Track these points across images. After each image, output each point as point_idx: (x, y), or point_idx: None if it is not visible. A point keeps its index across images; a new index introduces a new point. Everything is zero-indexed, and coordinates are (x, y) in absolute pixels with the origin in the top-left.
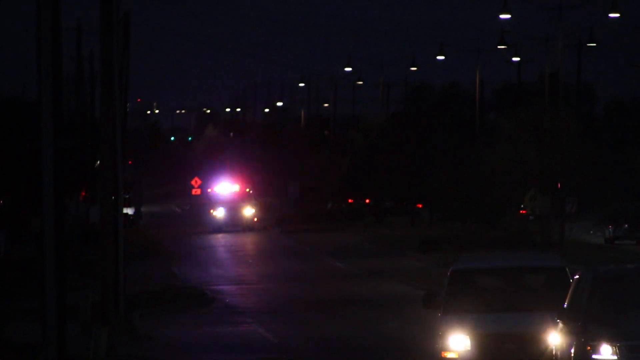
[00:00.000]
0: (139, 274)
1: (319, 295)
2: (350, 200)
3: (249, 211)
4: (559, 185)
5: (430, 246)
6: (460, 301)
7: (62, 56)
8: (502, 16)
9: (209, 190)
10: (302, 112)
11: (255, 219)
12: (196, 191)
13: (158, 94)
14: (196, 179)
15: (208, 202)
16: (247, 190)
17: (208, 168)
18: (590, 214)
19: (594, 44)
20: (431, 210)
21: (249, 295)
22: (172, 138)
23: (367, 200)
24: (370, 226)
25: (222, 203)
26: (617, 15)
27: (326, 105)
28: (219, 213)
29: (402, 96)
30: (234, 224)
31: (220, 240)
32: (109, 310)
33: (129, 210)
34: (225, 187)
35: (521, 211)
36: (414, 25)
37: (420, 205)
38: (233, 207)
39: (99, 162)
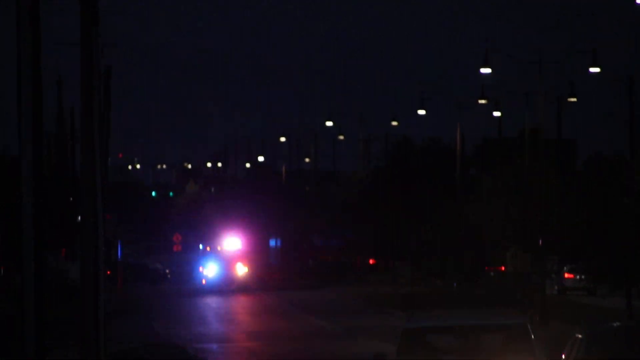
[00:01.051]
0: (121, 332)
1: (301, 355)
2: (326, 258)
3: (241, 269)
4: (540, 242)
5: (411, 304)
6: None
7: (42, 111)
8: (483, 70)
9: (200, 246)
10: (283, 168)
11: (248, 277)
12: (177, 247)
13: (139, 149)
14: (177, 235)
15: (197, 258)
16: (239, 247)
17: (193, 224)
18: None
19: (575, 99)
20: (412, 267)
21: (230, 355)
22: (153, 193)
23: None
24: (351, 283)
25: (212, 260)
26: (598, 70)
27: (307, 160)
28: (210, 271)
29: (383, 151)
30: (225, 282)
31: (207, 298)
32: None
33: (158, 265)
34: (216, 244)
35: (501, 267)
36: (394, 80)
37: (373, 261)
38: (225, 264)
39: (79, 217)
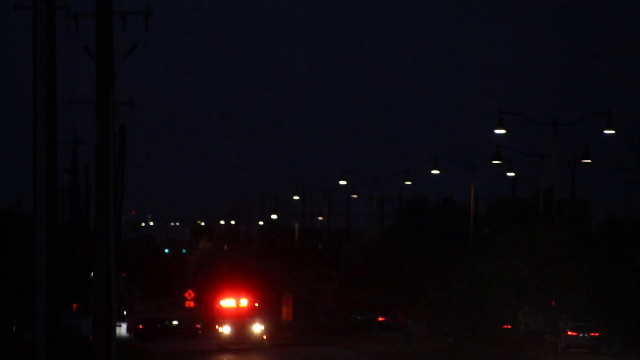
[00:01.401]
0: None
1: None
2: (338, 315)
3: (257, 327)
4: (553, 302)
5: None
6: None
7: (57, 169)
8: (497, 131)
9: (215, 305)
10: (296, 226)
11: (265, 337)
12: (190, 303)
13: (152, 207)
14: (189, 291)
15: (212, 316)
16: (255, 304)
17: (206, 281)
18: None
19: (589, 160)
20: (424, 325)
21: None
22: (166, 250)
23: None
24: (362, 340)
25: (228, 318)
26: (613, 132)
27: (320, 218)
28: (226, 329)
29: (397, 210)
30: (241, 341)
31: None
32: None
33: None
34: (232, 302)
35: (507, 326)
36: (408, 140)
37: (382, 319)
38: (240, 322)
39: (92, 273)
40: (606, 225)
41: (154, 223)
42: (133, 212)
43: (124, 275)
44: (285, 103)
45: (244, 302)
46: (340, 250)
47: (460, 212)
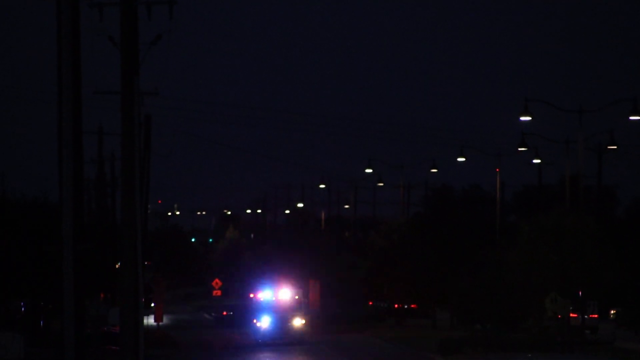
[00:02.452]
0: None
1: None
2: (370, 302)
3: (298, 322)
4: (580, 293)
5: (450, 348)
6: None
7: (83, 159)
8: (523, 118)
9: (251, 295)
10: (323, 214)
11: (305, 330)
12: (217, 292)
13: (178, 196)
14: (217, 280)
15: (249, 308)
16: (296, 297)
17: (233, 270)
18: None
19: (615, 147)
20: (452, 312)
21: None
22: (193, 239)
23: (396, 305)
24: (391, 327)
25: (267, 311)
26: (638, 117)
27: (346, 207)
28: (264, 323)
29: (423, 198)
30: (280, 336)
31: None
32: None
33: None
34: (271, 294)
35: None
36: (434, 128)
37: (414, 306)
38: (281, 316)
39: (119, 263)
40: (633, 211)
41: (180, 212)
42: (159, 202)
43: (150, 264)
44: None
45: (284, 294)
46: (367, 238)
47: (487, 200)
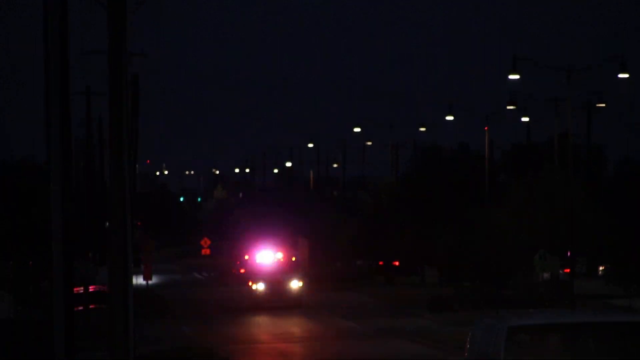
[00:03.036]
0: (150, 334)
1: (331, 355)
2: (358, 262)
3: (295, 284)
4: (568, 253)
5: (439, 306)
6: None
7: (70, 120)
8: (511, 77)
9: (246, 257)
10: (311, 173)
11: (303, 294)
12: (206, 251)
13: (167, 156)
14: (205, 239)
15: (244, 270)
16: (293, 258)
17: (222, 229)
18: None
19: (603, 104)
20: (440, 271)
21: (260, 355)
22: (181, 199)
23: (381, 262)
24: (380, 286)
25: (262, 274)
26: (627, 75)
27: (335, 166)
28: (260, 286)
29: (411, 157)
30: (277, 299)
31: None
32: None
33: None
34: (267, 256)
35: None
36: (422, 88)
37: (396, 263)
38: (276, 279)
39: (108, 223)
40: (622, 169)
41: (168, 172)
42: (148, 162)
43: (139, 224)
44: (301, 53)
45: (280, 255)
46: (356, 197)
47: (476, 159)
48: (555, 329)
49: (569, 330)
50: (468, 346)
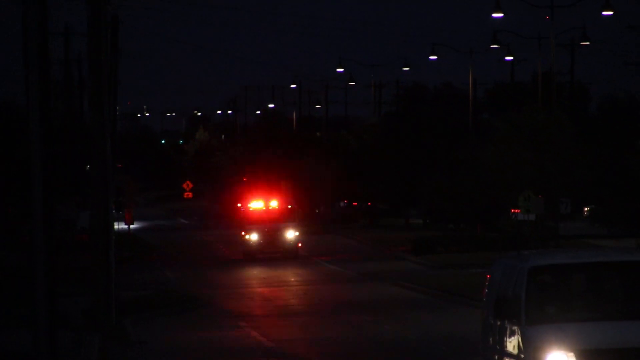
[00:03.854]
0: (133, 279)
1: (314, 299)
2: (344, 201)
3: (291, 234)
4: (555, 195)
5: (424, 248)
6: (553, 307)
7: (49, 61)
8: (495, 15)
9: (239, 205)
10: (294, 114)
11: (300, 244)
12: (188, 194)
13: (148, 97)
14: (188, 182)
15: (237, 218)
16: (289, 206)
17: (204, 172)
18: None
19: (587, 42)
20: (424, 212)
21: (243, 300)
22: (163, 141)
23: (355, 203)
24: (364, 228)
25: (256, 222)
26: (611, 13)
27: (318, 107)
28: (253, 236)
29: (395, 97)
30: (272, 250)
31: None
32: (100, 316)
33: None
34: (260, 204)
35: (513, 210)
36: (405, 27)
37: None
38: (271, 228)
39: (89, 166)
40: (606, 107)
41: (150, 114)
42: (129, 103)
43: (120, 167)
44: None
45: (275, 203)
46: (339, 138)
47: (459, 97)
48: (579, 268)
49: (593, 269)
50: (486, 289)
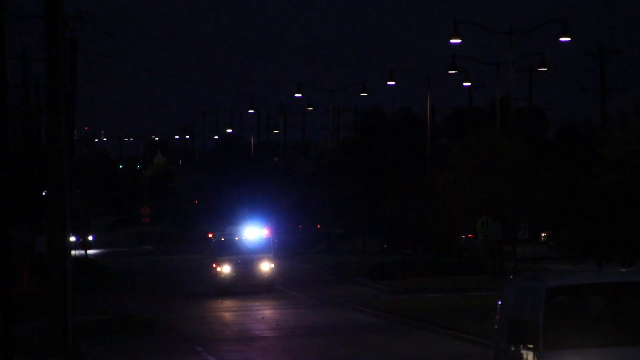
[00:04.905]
0: (90, 304)
1: (272, 324)
2: (300, 226)
3: (266, 266)
4: (512, 220)
5: (382, 273)
6: (573, 331)
7: (7, 85)
8: (453, 41)
9: (210, 235)
10: (252, 139)
11: (273, 277)
12: (145, 219)
13: (105, 122)
14: (145, 207)
15: (210, 252)
16: (265, 234)
17: (162, 197)
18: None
19: (545, 68)
20: (382, 236)
21: (201, 324)
22: (120, 166)
23: (319, 226)
24: (320, 254)
25: (229, 253)
26: (568, 39)
27: (276, 132)
28: (225, 269)
29: (353, 122)
30: (245, 283)
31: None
32: (57, 340)
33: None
34: (237, 232)
35: (469, 235)
36: (364, 53)
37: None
38: (244, 260)
39: (46, 191)
40: (564, 133)
41: (107, 139)
42: (86, 128)
43: (77, 191)
44: (240, 16)
45: (251, 232)
46: (297, 163)
47: (418, 123)
48: (599, 288)
49: (614, 290)
50: (497, 314)
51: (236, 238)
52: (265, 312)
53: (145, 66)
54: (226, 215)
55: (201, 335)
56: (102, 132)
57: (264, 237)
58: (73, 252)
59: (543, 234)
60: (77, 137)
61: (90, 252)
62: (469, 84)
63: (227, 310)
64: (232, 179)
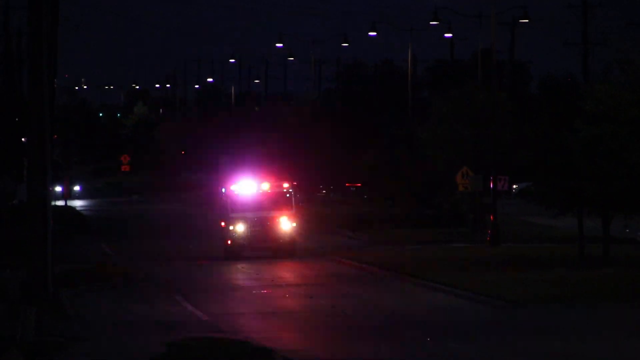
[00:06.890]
0: (70, 252)
1: (252, 275)
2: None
3: (286, 225)
4: (493, 173)
5: (361, 224)
6: None
7: None
8: None
9: (222, 189)
10: (233, 89)
11: (295, 238)
12: (125, 167)
13: (86, 70)
14: (125, 155)
15: (220, 206)
16: (285, 189)
17: (143, 146)
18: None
19: (527, 20)
20: (364, 189)
21: (182, 274)
22: (101, 114)
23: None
24: (302, 204)
25: (243, 210)
26: None
27: (257, 81)
28: (239, 228)
29: (335, 74)
30: (262, 245)
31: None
32: (37, 289)
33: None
34: (249, 186)
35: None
36: (347, 4)
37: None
38: (260, 218)
39: (26, 138)
40: (546, 86)
41: (88, 87)
42: (66, 76)
43: (57, 139)
44: None
45: (268, 186)
46: (279, 113)
47: (400, 75)
48: None
49: None
50: None
51: (251, 192)
52: (245, 263)
53: (127, 15)
54: (210, 165)
55: (182, 285)
56: (83, 80)
57: (285, 190)
58: (60, 203)
59: (514, 186)
60: (58, 85)
61: (77, 203)
62: (450, 35)
63: (205, 256)
64: (213, 129)
